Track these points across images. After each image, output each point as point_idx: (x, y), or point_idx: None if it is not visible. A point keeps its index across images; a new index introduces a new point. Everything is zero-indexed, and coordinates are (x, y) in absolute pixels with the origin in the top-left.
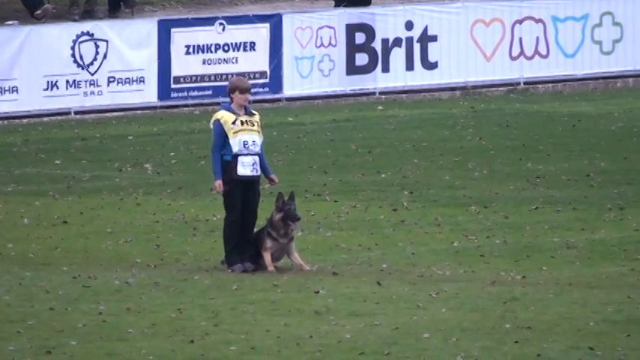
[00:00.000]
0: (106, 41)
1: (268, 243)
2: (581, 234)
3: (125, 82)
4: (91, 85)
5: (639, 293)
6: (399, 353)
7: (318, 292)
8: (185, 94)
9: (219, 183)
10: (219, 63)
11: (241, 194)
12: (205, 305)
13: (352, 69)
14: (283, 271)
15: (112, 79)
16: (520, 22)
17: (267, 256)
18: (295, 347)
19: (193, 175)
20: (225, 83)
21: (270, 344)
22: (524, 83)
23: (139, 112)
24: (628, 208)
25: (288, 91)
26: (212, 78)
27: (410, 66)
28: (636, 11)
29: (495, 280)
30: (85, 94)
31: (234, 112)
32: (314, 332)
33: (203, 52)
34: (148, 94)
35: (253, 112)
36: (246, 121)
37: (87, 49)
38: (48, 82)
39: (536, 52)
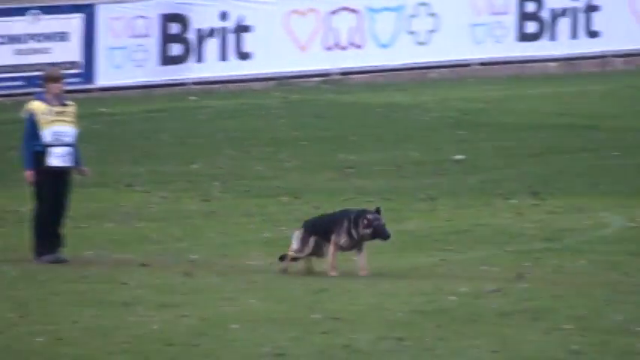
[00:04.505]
0: None
1: (343, 242)
2: (392, 224)
3: None
4: None
5: (449, 284)
6: (207, 344)
7: (126, 283)
8: None
9: (29, 173)
10: (31, 53)
11: (52, 185)
12: (13, 297)
13: (166, 59)
14: (91, 263)
15: None
16: (335, 12)
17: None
18: (103, 338)
19: (2, 165)
20: (38, 73)
21: (78, 335)
22: (339, 74)
23: None
24: (439, 198)
25: (101, 81)
26: (24, 68)
27: (224, 56)
28: (452, 2)
29: (305, 271)
30: None
31: (47, 103)
32: (122, 323)
33: (15, 42)
34: None
35: (68, 102)
36: (59, 111)
37: None
38: None
39: (352, 42)
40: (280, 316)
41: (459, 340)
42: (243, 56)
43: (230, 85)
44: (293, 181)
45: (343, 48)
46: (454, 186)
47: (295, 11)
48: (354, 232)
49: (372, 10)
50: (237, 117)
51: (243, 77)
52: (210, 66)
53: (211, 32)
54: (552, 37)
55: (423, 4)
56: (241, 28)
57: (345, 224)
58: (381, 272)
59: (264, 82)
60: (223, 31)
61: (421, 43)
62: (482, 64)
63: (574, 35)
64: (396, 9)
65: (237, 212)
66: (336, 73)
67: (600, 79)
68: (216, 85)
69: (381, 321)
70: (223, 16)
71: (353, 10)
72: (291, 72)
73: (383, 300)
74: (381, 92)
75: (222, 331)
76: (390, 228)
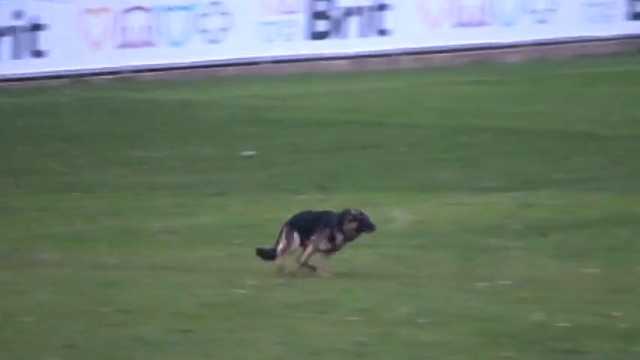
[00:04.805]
0: None
1: (323, 245)
2: (182, 219)
3: None
4: None
5: (238, 277)
6: None
7: None
8: None
9: None
10: None
11: None
12: None
13: None
14: None
15: None
16: (129, 11)
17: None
18: None
19: None
20: None
21: None
22: (132, 71)
23: None
24: (229, 193)
25: None
26: None
27: (18, 54)
28: (243, 1)
29: (95, 265)
30: None
31: None
32: None
33: None
34: None
35: None
36: None
37: None
38: None
39: (144, 40)
40: (70, 309)
41: (246, 332)
42: (38, 54)
43: (24, 83)
44: (85, 176)
45: (136, 46)
46: (244, 181)
47: (89, 10)
48: (337, 234)
49: (165, 9)
50: (31, 114)
51: (38, 75)
52: (4, 64)
53: (5, 31)
54: (342, 36)
55: (215, 3)
56: (35, 27)
57: (327, 229)
58: (171, 266)
59: (59, 80)
60: (17, 30)
61: (213, 42)
62: (274, 62)
63: (364, 34)
64: (188, 8)
65: (30, 207)
66: (129, 71)
67: (389, 76)
68: (10, 83)
69: (170, 314)
70: (17, 14)
71: (145, 9)
72: (85, 70)
73: (172, 293)
74: (174, 90)
75: (13, 324)
76: (183, 223)
